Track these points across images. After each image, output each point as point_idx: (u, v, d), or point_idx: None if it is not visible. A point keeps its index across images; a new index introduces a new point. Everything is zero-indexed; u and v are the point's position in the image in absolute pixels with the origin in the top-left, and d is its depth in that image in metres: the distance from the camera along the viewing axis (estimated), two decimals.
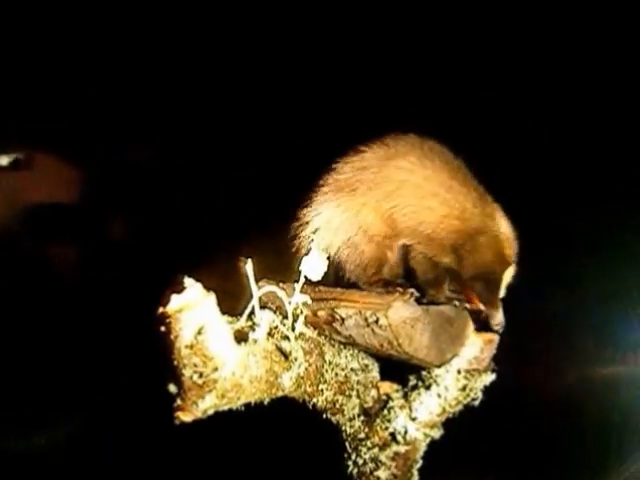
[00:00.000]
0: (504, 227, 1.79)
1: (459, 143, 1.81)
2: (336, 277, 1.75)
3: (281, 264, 1.66)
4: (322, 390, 1.59)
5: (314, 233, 1.74)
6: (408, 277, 1.82)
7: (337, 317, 1.58)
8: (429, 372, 1.76)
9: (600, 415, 2.60)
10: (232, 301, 1.41)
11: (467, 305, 1.78)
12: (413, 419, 1.74)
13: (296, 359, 1.46)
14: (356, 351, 1.71)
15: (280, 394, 1.46)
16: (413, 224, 1.75)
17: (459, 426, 1.81)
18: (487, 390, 1.78)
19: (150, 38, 2.64)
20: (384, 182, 1.74)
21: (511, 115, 2.61)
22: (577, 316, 2.68)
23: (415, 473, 1.78)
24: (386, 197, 1.74)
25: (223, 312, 1.31)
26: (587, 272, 2.62)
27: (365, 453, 1.74)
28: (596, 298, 2.70)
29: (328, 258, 1.56)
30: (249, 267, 1.35)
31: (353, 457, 1.76)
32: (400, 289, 1.67)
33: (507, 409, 2.37)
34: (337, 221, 1.75)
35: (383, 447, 1.74)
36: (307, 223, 1.76)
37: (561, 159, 2.63)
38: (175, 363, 1.25)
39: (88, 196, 2.76)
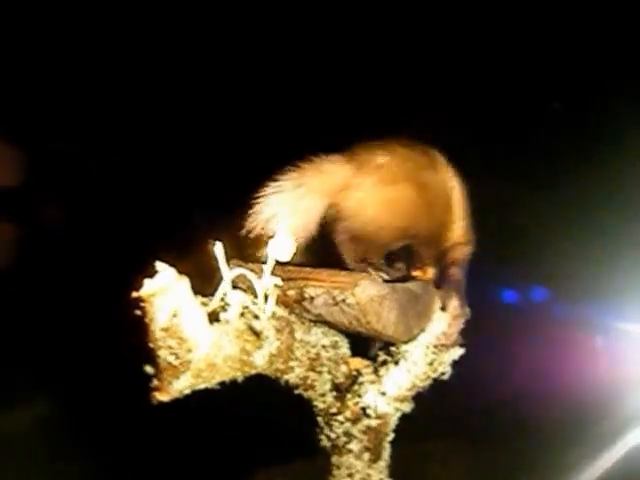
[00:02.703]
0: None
1: None
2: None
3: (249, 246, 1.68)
4: (293, 367, 1.63)
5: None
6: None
7: (306, 296, 1.62)
8: (397, 348, 1.81)
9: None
10: (204, 282, 1.44)
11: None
12: (383, 394, 1.78)
13: (267, 337, 1.51)
14: (326, 328, 1.75)
15: (253, 372, 1.51)
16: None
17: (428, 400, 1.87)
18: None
19: (93, 37, 2.61)
20: None
21: None
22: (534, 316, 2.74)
23: (387, 445, 1.84)
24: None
25: (195, 293, 1.35)
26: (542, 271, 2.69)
27: (338, 427, 1.79)
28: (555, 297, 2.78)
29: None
30: (219, 249, 1.38)
31: (326, 431, 1.81)
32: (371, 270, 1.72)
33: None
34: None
35: (355, 421, 1.79)
36: None
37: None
38: (151, 345, 1.29)
39: (24, 177, 2.74)
